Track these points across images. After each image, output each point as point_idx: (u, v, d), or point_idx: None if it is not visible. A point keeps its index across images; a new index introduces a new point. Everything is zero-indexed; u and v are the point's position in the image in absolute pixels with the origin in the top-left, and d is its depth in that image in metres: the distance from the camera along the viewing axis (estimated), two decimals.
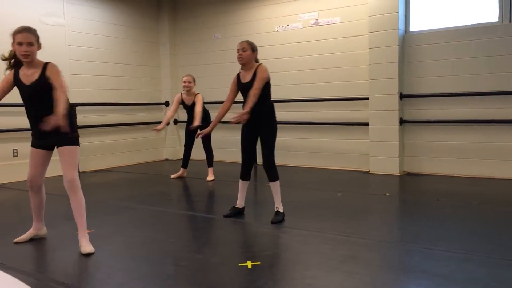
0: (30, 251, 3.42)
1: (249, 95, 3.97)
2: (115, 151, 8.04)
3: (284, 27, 7.57)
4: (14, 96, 6.97)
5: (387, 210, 4.70)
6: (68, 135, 3.32)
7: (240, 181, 4.31)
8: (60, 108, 3.10)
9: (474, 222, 4.03)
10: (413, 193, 5.49)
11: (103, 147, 7.84)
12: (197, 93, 6.39)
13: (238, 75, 4.24)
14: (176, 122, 8.90)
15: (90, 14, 7.64)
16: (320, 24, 7.23)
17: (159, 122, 8.72)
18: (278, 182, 4.14)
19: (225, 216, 4.24)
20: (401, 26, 6.45)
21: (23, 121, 6.57)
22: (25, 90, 3.35)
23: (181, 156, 8.88)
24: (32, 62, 3.31)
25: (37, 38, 3.33)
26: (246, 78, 4.14)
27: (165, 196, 5.64)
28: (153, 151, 8.78)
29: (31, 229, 3.65)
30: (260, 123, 4.10)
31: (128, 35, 8.27)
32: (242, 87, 4.16)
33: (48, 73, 3.29)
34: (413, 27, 6.57)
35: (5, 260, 3.19)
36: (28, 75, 3.33)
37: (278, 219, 4.04)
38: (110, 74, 7.96)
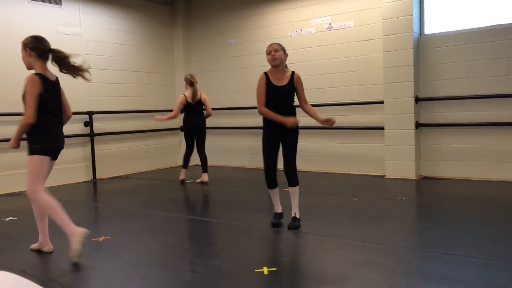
0: (48, 259, 3.46)
1: (310, 110, 4.10)
2: (131, 158, 8.12)
3: (297, 32, 7.58)
4: None
5: (404, 215, 4.65)
6: (30, 146, 3.41)
7: (271, 190, 4.15)
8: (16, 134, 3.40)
9: (493, 226, 3.97)
10: (430, 197, 5.42)
11: (119, 154, 7.91)
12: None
13: (267, 76, 4.02)
14: None
15: (106, 23, 7.76)
16: (333, 28, 7.21)
17: (174, 129, 8.88)
18: (298, 187, 4.13)
19: (273, 225, 4.10)
20: (416, 29, 6.40)
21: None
22: None
23: (196, 162, 8.98)
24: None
25: (25, 45, 3.39)
26: (280, 81, 4.01)
27: (180, 202, 5.67)
28: (168, 158, 8.83)
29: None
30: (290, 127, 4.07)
31: (143, 43, 8.37)
32: (275, 90, 3.97)
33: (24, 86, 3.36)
34: (428, 30, 6.52)
35: (25, 266, 3.24)
36: None
37: (296, 225, 4.02)
38: (126, 82, 8.05)
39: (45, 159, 3.42)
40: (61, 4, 7.05)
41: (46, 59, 3.44)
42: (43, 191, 3.39)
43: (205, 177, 6.76)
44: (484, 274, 2.84)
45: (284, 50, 4.05)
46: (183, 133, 6.93)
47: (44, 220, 3.56)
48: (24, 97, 3.33)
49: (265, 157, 4.07)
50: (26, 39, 3.41)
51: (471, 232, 3.78)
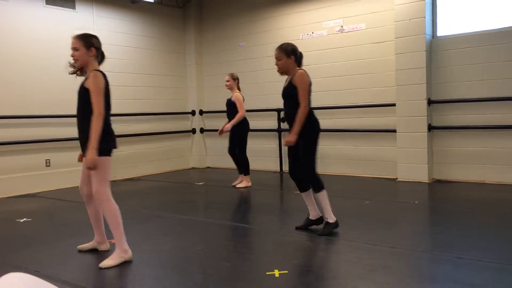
0: (62, 259, 3.50)
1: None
2: (144, 160, 8.18)
3: (309, 35, 7.57)
4: (46, 107, 7.17)
5: (416, 219, 4.61)
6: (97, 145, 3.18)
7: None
8: (92, 141, 3.09)
9: (507, 230, 3.92)
10: (443, 200, 5.38)
11: (132, 156, 7.98)
12: (237, 92, 6.48)
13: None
14: (202, 131, 9.00)
15: (119, 27, 7.84)
16: (345, 31, 7.20)
17: (186, 131, 8.93)
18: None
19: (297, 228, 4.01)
20: (428, 31, 6.36)
21: (56, 132, 6.83)
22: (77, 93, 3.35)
23: (208, 164, 9.03)
24: (85, 67, 3.34)
25: (86, 43, 3.31)
26: (286, 82, 3.99)
27: (193, 204, 5.70)
28: (180, 160, 8.88)
29: (93, 240, 3.65)
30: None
31: (155, 46, 8.44)
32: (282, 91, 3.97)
33: (87, 83, 3.24)
34: (440, 32, 6.48)
35: (39, 267, 3.28)
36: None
37: (325, 231, 3.90)
38: (139, 85, 8.12)
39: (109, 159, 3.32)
40: (75, 8, 7.15)
41: None
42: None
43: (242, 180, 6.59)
44: (498, 278, 2.81)
45: (287, 53, 3.87)
46: (242, 135, 6.42)
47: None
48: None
49: (314, 158, 3.97)
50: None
51: (484, 236, 3.75)
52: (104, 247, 3.62)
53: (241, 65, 8.41)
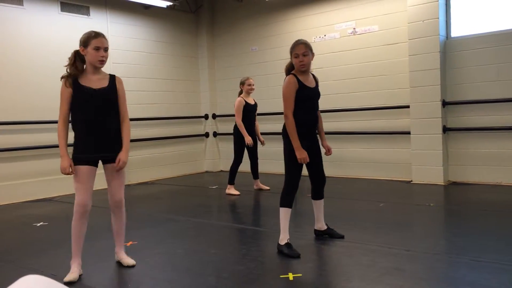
0: None
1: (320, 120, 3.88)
2: (157, 164, 8.24)
3: (321, 38, 7.57)
4: None
5: (431, 221, 4.57)
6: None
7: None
8: (126, 144, 3.29)
9: None
10: (459, 203, 5.32)
11: (146, 160, 8.04)
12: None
13: (296, 77, 3.62)
14: (215, 134, 9.03)
15: (133, 32, 7.92)
16: (357, 33, 7.18)
17: (200, 135, 8.97)
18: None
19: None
20: (442, 32, 6.31)
21: (71, 137, 6.90)
22: (91, 95, 3.24)
23: (221, 168, 9.05)
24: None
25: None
26: (311, 82, 3.68)
27: (206, 208, 5.72)
28: (194, 164, 8.92)
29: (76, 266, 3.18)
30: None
31: (168, 51, 8.51)
32: (311, 92, 3.65)
33: (117, 87, 3.37)
34: (454, 33, 6.42)
35: (56, 270, 3.32)
36: (95, 81, 3.29)
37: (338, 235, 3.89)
38: (152, 90, 8.19)
39: None
40: (89, 15, 7.25)
41: None
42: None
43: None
44: None
45: (311, 51, 3.65)
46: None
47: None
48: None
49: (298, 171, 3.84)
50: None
51: (500, 239, 3.69)
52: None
53: (253, 68, 8.43)
